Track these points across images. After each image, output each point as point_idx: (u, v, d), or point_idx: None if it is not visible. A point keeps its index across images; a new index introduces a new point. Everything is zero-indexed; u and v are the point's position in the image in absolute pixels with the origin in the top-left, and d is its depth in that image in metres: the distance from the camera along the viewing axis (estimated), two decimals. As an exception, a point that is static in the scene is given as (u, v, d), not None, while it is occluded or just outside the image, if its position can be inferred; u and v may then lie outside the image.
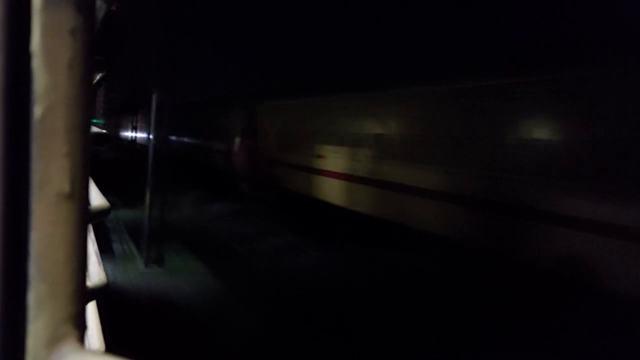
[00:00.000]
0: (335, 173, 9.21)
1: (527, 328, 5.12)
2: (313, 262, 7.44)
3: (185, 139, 20.36)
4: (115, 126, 36.14)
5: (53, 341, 0.37)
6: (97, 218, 1.12)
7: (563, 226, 5.42)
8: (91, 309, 1.55)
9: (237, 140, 13.57)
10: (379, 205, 8.11)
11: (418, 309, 5.65)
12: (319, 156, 9.65)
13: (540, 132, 5.82)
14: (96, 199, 1.12)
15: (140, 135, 24.09)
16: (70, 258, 0.38)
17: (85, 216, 0.40)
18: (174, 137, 20.26)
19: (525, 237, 5.79)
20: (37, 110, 0.36)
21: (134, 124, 25.81)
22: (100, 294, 1.11)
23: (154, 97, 7.00)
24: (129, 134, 28.71)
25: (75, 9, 0.37)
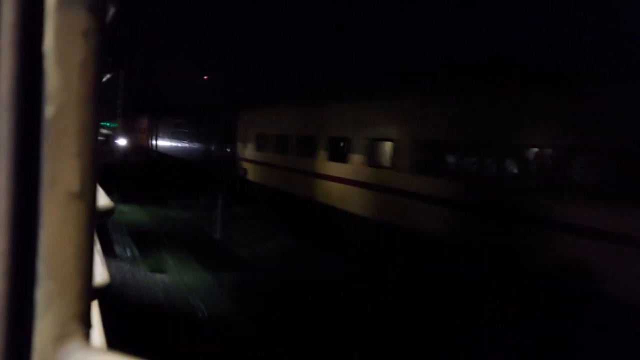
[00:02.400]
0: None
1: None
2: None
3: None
4: (139, 132, 29.41)
5: (60, 338, 0.37)
6: (102, 218, 1.13)
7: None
8: (94, 308, 1.55)
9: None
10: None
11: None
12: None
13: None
14: (100, 199, 1.12)
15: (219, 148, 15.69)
16: (79, 257, 0.38)
17: (94, 216, 0.41)
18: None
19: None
20: (49, 110, 0.37)
21: (207, 131, 17.02)
22: (104, 294, 1.12)
23: None
24: (178, 144, 21.15)
25: (88, 11, 0.38)
